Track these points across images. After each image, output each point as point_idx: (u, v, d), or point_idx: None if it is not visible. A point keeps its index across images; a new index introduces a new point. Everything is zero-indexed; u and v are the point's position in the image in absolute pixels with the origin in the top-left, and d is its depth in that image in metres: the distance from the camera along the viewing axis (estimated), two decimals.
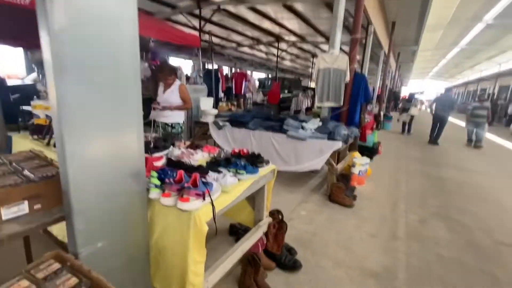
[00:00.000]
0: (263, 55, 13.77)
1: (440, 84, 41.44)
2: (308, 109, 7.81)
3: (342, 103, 3.98)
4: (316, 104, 4.16)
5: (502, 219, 3.09)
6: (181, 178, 1.30)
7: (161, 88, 3.23)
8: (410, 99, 10.71)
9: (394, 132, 10.17)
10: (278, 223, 2.12)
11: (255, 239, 1.92)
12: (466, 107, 7.36)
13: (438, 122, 7.98)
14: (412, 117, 9.59)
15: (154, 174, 1.34)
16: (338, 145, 3.18)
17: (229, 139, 3.93)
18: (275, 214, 2.20)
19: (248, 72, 11.69)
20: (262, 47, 11.50)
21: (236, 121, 3.92)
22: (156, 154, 1.83)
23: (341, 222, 2.84)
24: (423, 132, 9.22)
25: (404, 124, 9.69)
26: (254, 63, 13.16)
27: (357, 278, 2.01)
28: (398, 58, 15.47)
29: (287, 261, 2.03)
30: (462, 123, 7.83)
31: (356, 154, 4.09)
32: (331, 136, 3.35)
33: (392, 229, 2.76)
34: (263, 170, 1.84)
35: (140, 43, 1.13)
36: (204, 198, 1.26)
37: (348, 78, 3.87)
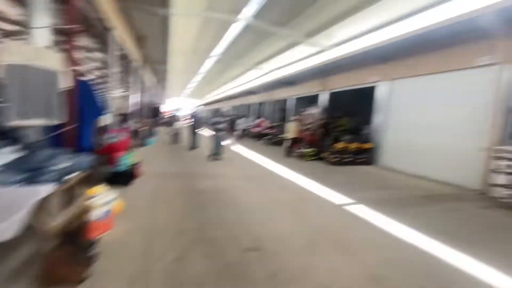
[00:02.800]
0: None
1: (193, 102, 50.12)
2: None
3: (60, 119, 2.69)
4: (11, 123, 2.51)
5: (243, 222, 3.47)
6: None
7: None
8: (174, 116, 12.04)
9: (162, 146, 10.25)
10: None
11: None
12: (210, 122, 8.65)
13: (195, 133, 10.03)
14: (179, 129, 11.49)
15: None
16: (44, 191, 1.93)
17: None
18: None
19: None
20: None
21: None
22: None
23: None
24: (187, 142, 10.51)
25: (173, 136, 11.28)
26: None
27: None
28: (156, 75, 15.99)
29: None
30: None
31: (97, 190, 2.99)
32: (33, 177, 2.00)
33: None
34: None
35: None
36: None
37: (64, 84, 2.66)
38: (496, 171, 5.03)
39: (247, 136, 18.62)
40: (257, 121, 18.38)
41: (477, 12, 5.32)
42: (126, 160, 4.67)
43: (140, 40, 9.31)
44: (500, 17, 5.16)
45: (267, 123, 16.81)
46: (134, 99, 10.45)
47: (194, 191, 4.75)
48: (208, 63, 21.74)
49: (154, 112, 17.53)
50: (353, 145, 8.78)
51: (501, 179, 4.90)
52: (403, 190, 5.87)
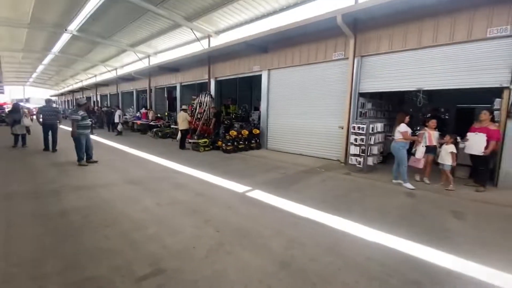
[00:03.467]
0: None
1: (47, 92, 38.76)
2: None
3: None
4: None
5: (133, 243, 2.83)
6: None
7: None
8: (18, 108, 8.81)
9: None
10: None
11: None
12: (72, 116, 6.40)
13: (50, 130, 8.05)
14: (27, 127, 8.76)
15: None
16: None
17: None
18: None
19: None
20: None
21: None
22: None
23: None
24: (39, 141, 8.41)
25: (17, 136, 8.69)
26: None
27: None
28: None
29: None
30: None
31: None
32: None
33: None
34: None
35: None
36: None
37: None
38: (351, 144, 6.43)
39: (129, 129, 16.23)
40: (141, 111, 16.29)
41: (333, 13, 6.37)
42: None
43: None
44: (348, 18, 6.39)
45: (153, 113, 15.14)
46: None
47: (57, 214, 3.54)
48: (64, 40, 17.13)
49: None
50: (245, 132, 9.16)
51: (354, 149, 6.31)
52: (288, 169, 6.62)
